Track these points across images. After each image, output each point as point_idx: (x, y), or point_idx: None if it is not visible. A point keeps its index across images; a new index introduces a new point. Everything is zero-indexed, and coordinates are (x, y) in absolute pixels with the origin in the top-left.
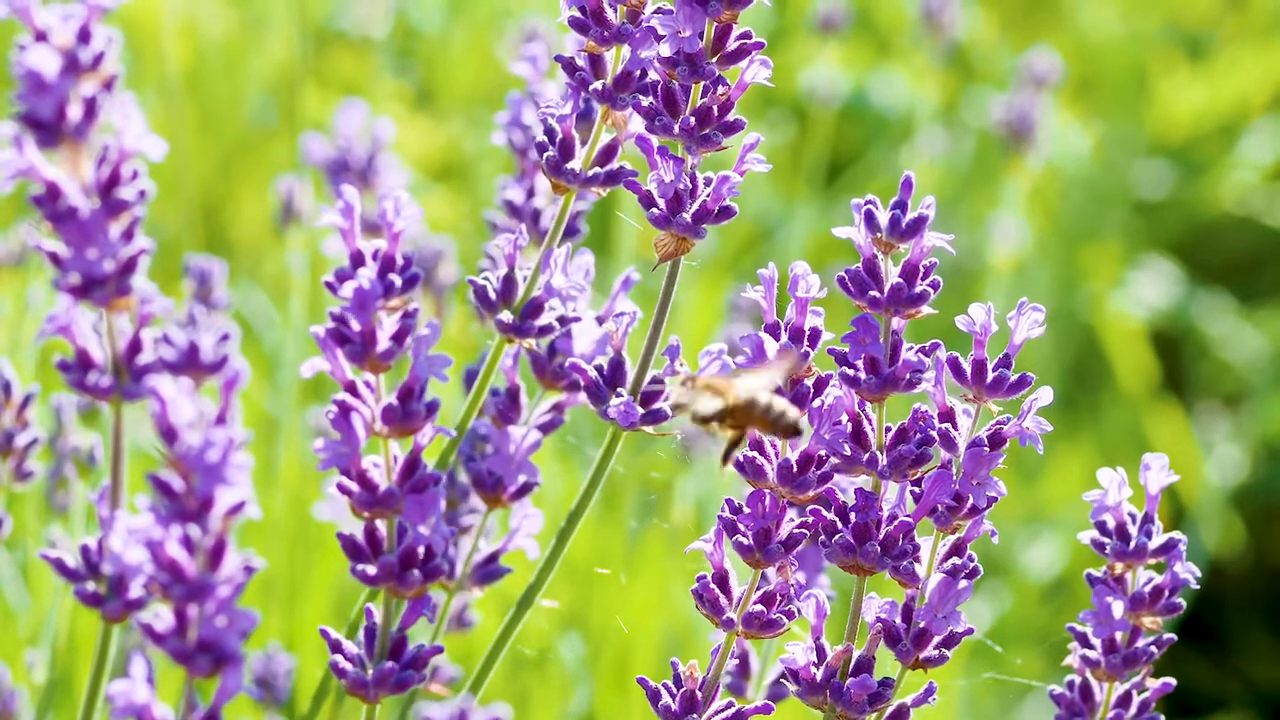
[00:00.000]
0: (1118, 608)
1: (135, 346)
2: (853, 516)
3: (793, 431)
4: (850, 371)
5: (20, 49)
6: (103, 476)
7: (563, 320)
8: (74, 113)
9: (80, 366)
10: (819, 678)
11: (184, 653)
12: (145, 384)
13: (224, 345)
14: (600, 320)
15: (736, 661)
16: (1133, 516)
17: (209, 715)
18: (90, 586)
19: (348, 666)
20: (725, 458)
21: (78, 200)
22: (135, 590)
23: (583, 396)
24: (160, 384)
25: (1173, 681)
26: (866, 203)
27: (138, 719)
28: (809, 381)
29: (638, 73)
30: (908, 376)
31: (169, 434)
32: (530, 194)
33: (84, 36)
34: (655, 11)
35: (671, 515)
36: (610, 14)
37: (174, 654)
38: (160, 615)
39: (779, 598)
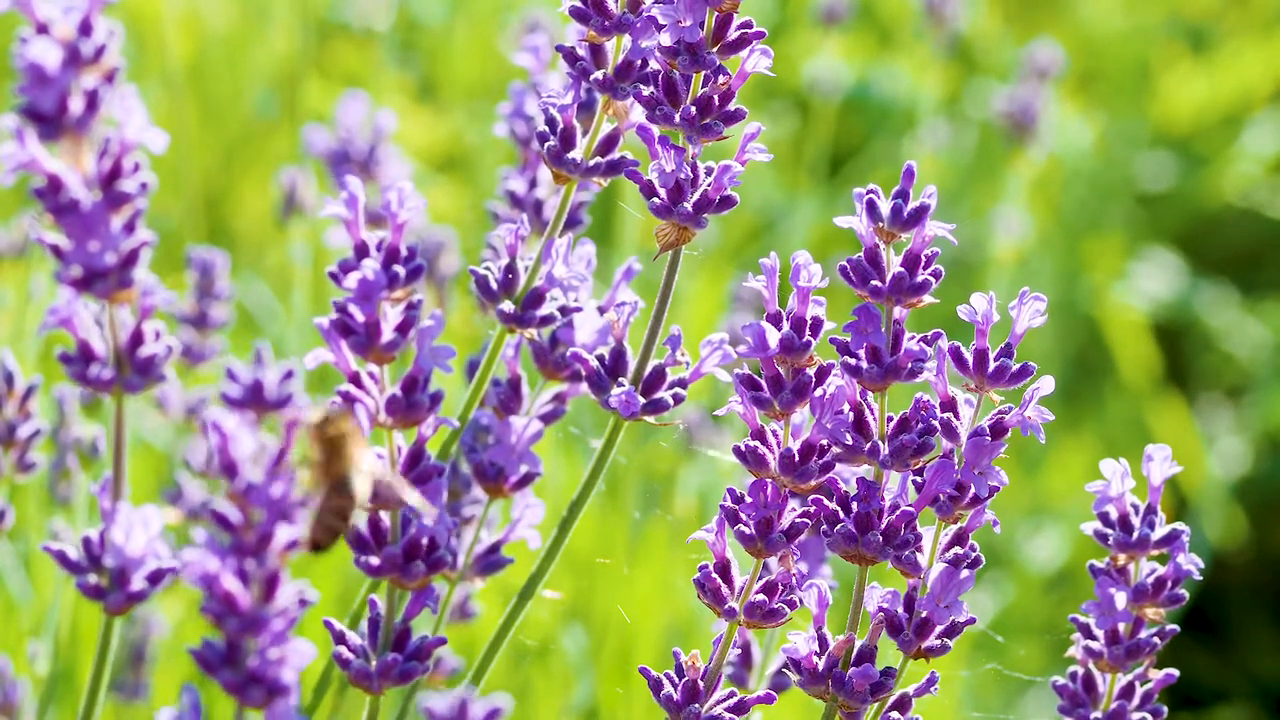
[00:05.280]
0: (1120, 599)
1: (137, 339)
2: (855, 506)
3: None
4: (852, 361)
5: (22, 41)
6: (105, 468)
7: (564, 310)
8: (76, 105)
9: (82, 359)
10: (821, 667)
11: (236, 685)
12: (147, 375)
13: (288, 383)
14: (602, 310)
15: (739, 651)
16: (1135, 508)
17: None
18: (92, 579)
19: (351, 658)
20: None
21: (79, 193)
22: (137, 583)
23: (584, 386)
24: (222, 418)
25: (1175, 673)
26: (868, 192)
27: None
28: (811, 371)
29: (639, 62)
30: (910, 366)
31: (229, 468)
32: (532, 185)
33: (85, 29)
34: (656, 1)
35: (674, 506)
36: (611, 3)
37: (226, 685)
38: (212, 645)
39: (781, 587)
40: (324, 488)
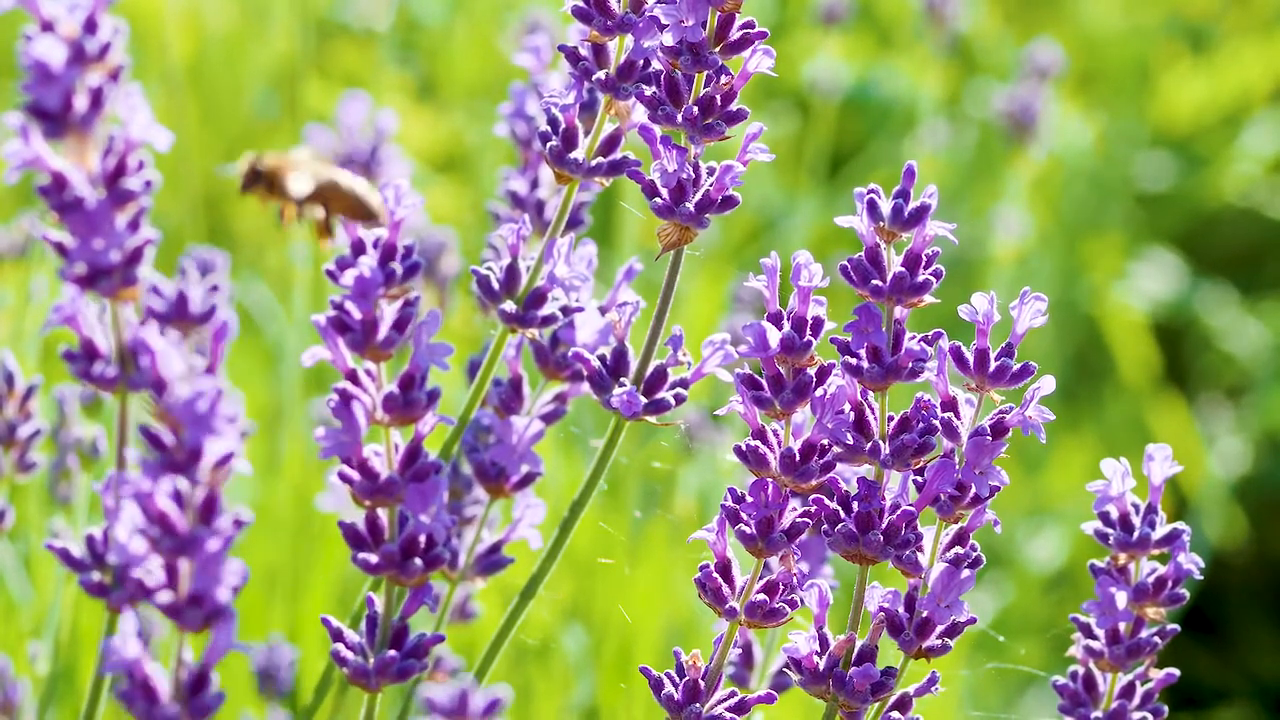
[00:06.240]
0: (1121, 598)
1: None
2: (855, 505)
3: (372, 216)
4: (853, 360)
5: (27, 39)
6: (106, 467)
7: (566, 310)
8: (80, 103)
9: (86, 357)
10: (822, 667)
11: (174, 607)
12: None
13: (213, 296)
14: (603, 310)
15: (740, 651)
16: (1136, 507)
17: (200, 672)
18: (95, 576)
19: (349, 655)
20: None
21: (84, 190)
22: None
23: (585, 386)
24: (149, 335)
25: (1176, 672)
26: (869, 191)
27: (128, 675)
28: (811, 370)
29: (641, 62)
30: (910, 365)
31: (158, 385)
32: (534, 185)
33: (90, 27)
34: (658, 0)
35: (674, 505)
36: (614, 3)
37: (164, 608)
38: (151, 570)
39: (782, 587)
40: (319, 203)
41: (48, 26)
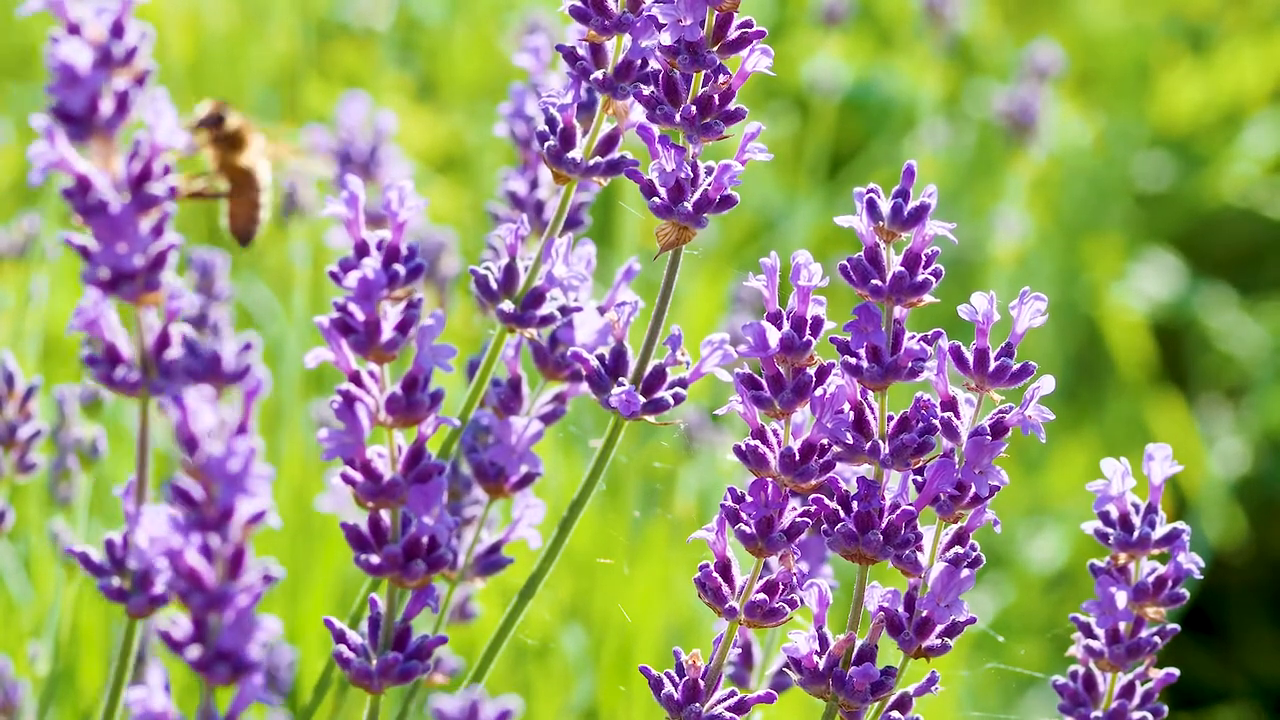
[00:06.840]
0: (1121, 598)
1: (164, 342)
2: (855, 505)
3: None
4: (853, 360)
5: (54, 42)
6: (105, 468)
7: (564, 310)
8: (106, 107)
9: (108, 361)
10: (821, 667)
11: (202, 661)
12: (173, 379)
13: (246, 354)
14: (602, 310)
15: (739, 651)
16: (1136, 507)
17: None
18: (115, 582)
19: (352, 657)
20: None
21: (108, 194)
22: (160, 586)
23: (584, 386)
24: (182, 392)
25: (1176, 672)
26: (869, 191)
27: None
28: (811, 370)
29: (639, 62)
30: (910, 365)
31: (190, 443)
32: (533, 185)
33: (117, 31)
34: (656, 0)
35: (674, 505)
36: (611, 3)
37: (192, 663)
38: (178, 623)
39: (781, 587)
40: (231, 183)
41: (74, 30)
